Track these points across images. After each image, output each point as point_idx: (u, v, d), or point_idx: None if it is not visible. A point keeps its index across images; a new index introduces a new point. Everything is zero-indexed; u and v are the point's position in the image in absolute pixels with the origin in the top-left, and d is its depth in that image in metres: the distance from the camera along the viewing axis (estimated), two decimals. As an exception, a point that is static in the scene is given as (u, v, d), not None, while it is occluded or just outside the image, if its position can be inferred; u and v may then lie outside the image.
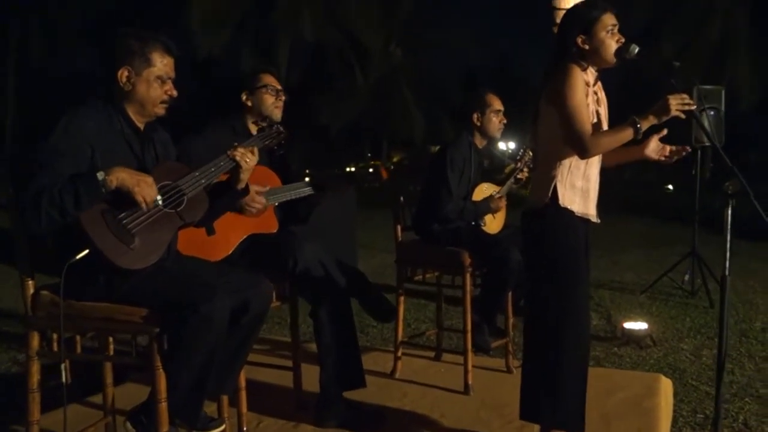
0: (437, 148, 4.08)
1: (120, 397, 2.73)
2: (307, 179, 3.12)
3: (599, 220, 2.68)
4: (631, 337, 4.92)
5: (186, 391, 2.17)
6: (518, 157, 3.89)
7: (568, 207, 2.54)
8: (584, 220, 2.61)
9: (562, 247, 2.55)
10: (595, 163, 2.61)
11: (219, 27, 18.28)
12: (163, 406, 2.13)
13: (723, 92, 6.62)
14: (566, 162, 2.54)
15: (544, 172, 2.59)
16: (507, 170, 3.93)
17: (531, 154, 3.94)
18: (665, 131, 2.68)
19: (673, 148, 2.71)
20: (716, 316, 6.07)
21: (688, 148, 2.70)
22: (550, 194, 2.54)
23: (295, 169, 3.16)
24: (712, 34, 18.44)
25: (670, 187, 23.97)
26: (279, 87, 3.09)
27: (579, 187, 2.57)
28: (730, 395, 3.99)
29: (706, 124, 6.52)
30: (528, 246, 2.69)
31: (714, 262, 7.03)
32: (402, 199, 3.70)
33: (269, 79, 3.08)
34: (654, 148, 2.68)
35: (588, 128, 2.44)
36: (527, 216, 2.66)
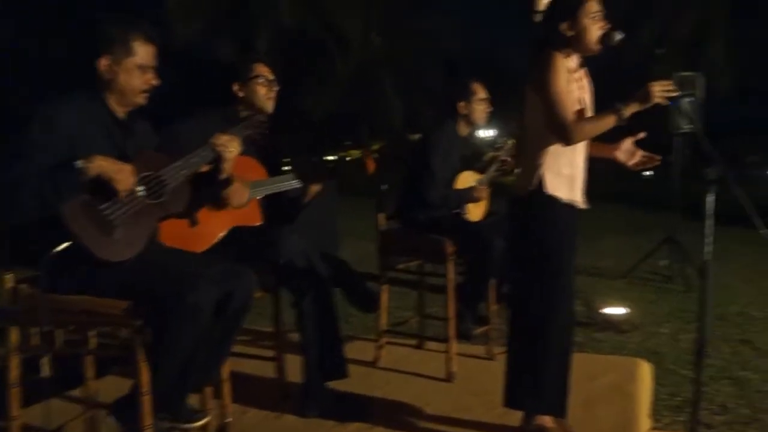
0: (417, 136, 4.09)
1: (102, 391, 2.69)
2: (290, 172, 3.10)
3: (586, 206, 2.70)
4: (611, 322, 4.98)
5: (170, 382, 2.16)
6: (498, 146, 3.91)
7: (555, 194, 2.56)
8: (571, 207, 2.62)
9: (547, 235, 2.57)
10: (581, 150, 2.62)
11: (195, 14, 18.05)
12: (147, 398, 2.12)
13: (700, 78, 6.67)
14: (552, 149, 2.55)
15: (531, 159, 2.59)
16: (487, 158, 3.95)
17: (510, 142, 3.96)
18: (642, 135, 2.73)
19: (645, 155, 2.76)
20: (694, 300, 6.18)
21: (659, 158, 2.75)
22: (536, 181, 2.55)
23: (282, 160, 3.13)
24: (689, 23, 18.58)
25: (649, 173, 24.23)
26: (271, 77, 3.05)
27: (566, 174, 2.58)
28: (707, 378, 4.04)
29: (681, 110, 6.59)
30: (514, 232, 2.70)
31: (691, 247, 7.13)
32: (384, 187, 3.69)
33: (262, 69, 3.04)
34: (626, 150, 2.74)
35: (570, 115, 2.45)
36: (514, 203, 2.67)
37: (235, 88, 3.01)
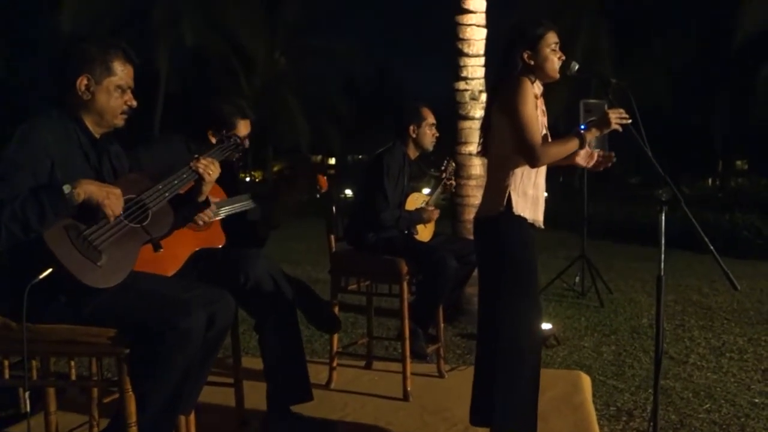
0: (319, 157, 4.16)
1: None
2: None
3: (543, 227, 2.82)
4: (542, 338, 5.16)
5: (157, 412, 2.08)
6: (443, 168, 4.02)
7: (521, 214, 2.66)
8: (533, 227, 2.74)
9: (519, 254, 2.66)
10: (542, 172, 2.75)
11: (93, 30, 17.38)
12: (133, 430, 2.03)
13: (605, 106, 7.09)
14: (518, 171, 2.65)
15: (497, 180, 2.69)
16: (432, 180, 4.05)
17: (454, 165, 4.09)
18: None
19: (601, 155, 2.92)
20: (608, 314, 6.56)
21: (613, 155, 2.90)
22: (504, 202, 2.64)
23: (242, 181, 3.10)
24: (580, 50, 19.74)
25: (545, 194, 25.37)
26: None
27: (530, 195, 2.69)
28: (635, 388, 4.30)
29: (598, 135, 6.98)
30: (482, 252, 2.76)
31: (598, 263, 7.55)
32: (334, 209, 3.71)
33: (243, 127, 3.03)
34: (583, 156, 2.87)
35: (538, 138, 2.57)
36: (480, 223, 2.74)
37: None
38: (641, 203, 14.60)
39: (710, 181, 31.96)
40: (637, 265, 9.08)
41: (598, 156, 2.90)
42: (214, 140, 2.94)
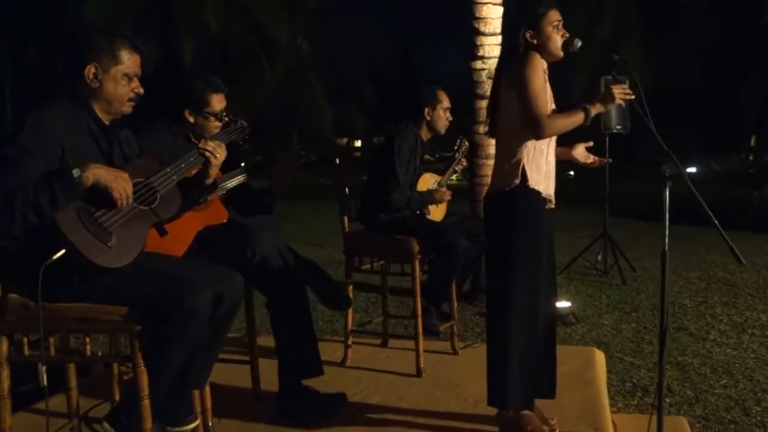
0: (345, 140, 4.20)
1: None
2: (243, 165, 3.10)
3: (554, 205, 2.85)
4: (557, 315, 5.18)
5: (168, 386, 2.17)
6: (456, 147, 4.05)
7: (536, 187, 2.68)
8: (546, 204, 2.76)
9: (533, 228, 2.67)
10: (553, 148, 2.77)
11: (118, 18, 17.59)
12: (146, 402, 2.13)
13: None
14: (530, 144, 2.67)
15: (509, 156, 2.70)
16: (445, 161, 4.08)
17: (467, 144, 4.12)
18: (591, 143, 3.05)
19: (596, 158, 3.06)
20: (629, 292, 6.54)
21: (609, 159, 3.01)
22: (519, 175, 2.66)
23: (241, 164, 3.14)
24: (606, 28, 19.44)
25: (572, 173, 25.09)
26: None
27: (543, 169, 2.71)
28: (652, 364, 4.31)
29: (613, 113, 6.93)
30: (492, 228, 2.78)
31: (621, 242, 7.51)
32: (347, 190, 3.77)
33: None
34: (580, 153, 3.00)
35: (546, 110, 2.59)
36: (492, 198, 2.76)
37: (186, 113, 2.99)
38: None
39: (741, 157, 31.37)
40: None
41: (593, 159, 3.06)
42: (192, 120, 2.97)
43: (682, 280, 7.06)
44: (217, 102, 3.01)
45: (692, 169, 28.43)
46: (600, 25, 19.20)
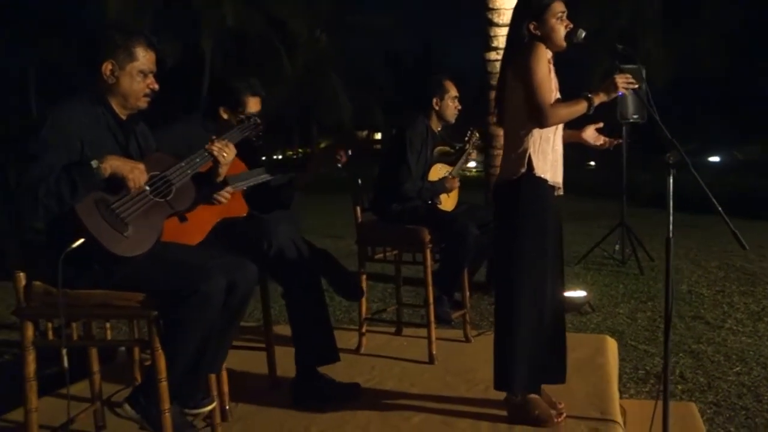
0: (364, 132, 4.25)
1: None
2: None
3: (562, 192, 2.88)
4: (572, 304, 5.23)
5: (184, 370, 2.27)
6: (467, 138, 4.10)
7: (542, 176, 2.71)
8: (554, 192, 2.80)
9: (535, 217, 2.71)
10: (559, 136, 2.81)
11: (138, 14, 17.81)
12: (164, 384, 2.22)
13: (643, 71, 7.00)
14: (536, 133, 2.71)
15: (516, 145, 2.73)
16: (456, 151, 4.13)
17: (477, 135, 4.16)
18: (601, 124, 3.00)
19: (607, 139, 3.03)
20: (647, 282, 6.53)
21: (620, 140, 2.99)
22: (525, 164, 2.70)
23: (262, 158, 3.21)
24: (624, 17, 19.28)
25: (592, 163, 24.96)
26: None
27: (550, 158, 2.75)
28: (666, 352, 4.34)
29: (630, 102, 6.92)
30: (500, 216, 2.82)
31: (641, 232, 7.50)
32: (360, 181, 3.84)
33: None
34: (590, 135, 2.99)
35: (549, 99, 2.63)
36: (500, 188, 2.81)
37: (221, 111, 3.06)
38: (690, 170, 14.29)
39: (765, 146, 30.90)
40: (682, 231, 8.97)
41: (604, 140, 3.02)
42: (225, 117, 3.06)
43: (701, 270, 7.05)
44: (253, 104, 3.09)
45: (715, 158, 28.09)
46: (619, 16, 19.04)
